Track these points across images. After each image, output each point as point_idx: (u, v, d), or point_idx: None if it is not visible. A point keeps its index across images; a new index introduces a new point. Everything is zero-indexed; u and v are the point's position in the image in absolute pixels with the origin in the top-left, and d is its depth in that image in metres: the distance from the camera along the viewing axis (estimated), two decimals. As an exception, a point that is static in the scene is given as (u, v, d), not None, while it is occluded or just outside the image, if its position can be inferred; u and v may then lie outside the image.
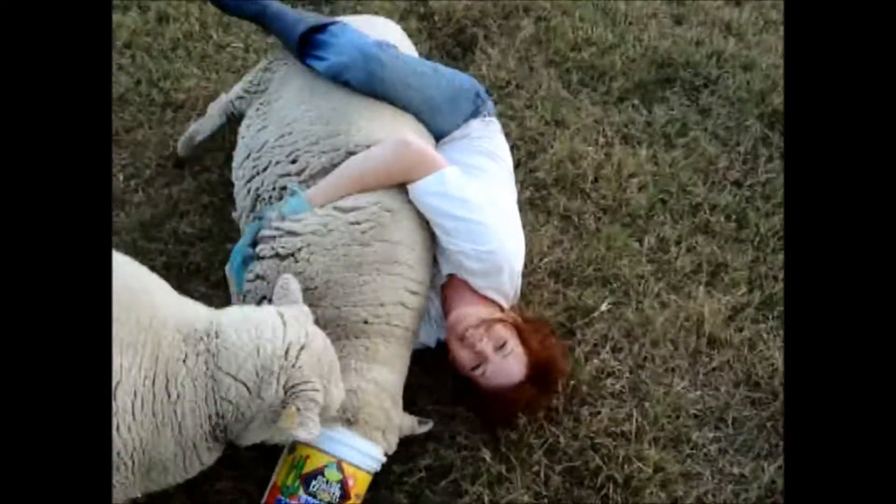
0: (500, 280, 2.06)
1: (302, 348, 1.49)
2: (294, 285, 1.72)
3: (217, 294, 2.34)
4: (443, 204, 1.99)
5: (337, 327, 1.90)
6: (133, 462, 1.45)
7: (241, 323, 1.52)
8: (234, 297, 2.09)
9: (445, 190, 1.99)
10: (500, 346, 1.99)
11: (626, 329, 2.34)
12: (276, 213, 2.00)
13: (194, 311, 1.61)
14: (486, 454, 2.01)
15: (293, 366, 1.47)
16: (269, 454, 1.93)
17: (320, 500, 1.77)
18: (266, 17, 2.47)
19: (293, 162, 2.11)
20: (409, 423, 1.97)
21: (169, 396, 1.46)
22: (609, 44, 3.27)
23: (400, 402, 1.96)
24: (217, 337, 1.51)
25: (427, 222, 2.06)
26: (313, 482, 1.76)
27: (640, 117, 3.03)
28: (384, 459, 1.89)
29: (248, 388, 1.48)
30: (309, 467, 1.77)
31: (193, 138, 2.68)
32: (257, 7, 2.48)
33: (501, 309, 2.12)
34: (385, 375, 1.93)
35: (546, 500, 1.96)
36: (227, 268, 2.08)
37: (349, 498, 1.81)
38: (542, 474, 2.00)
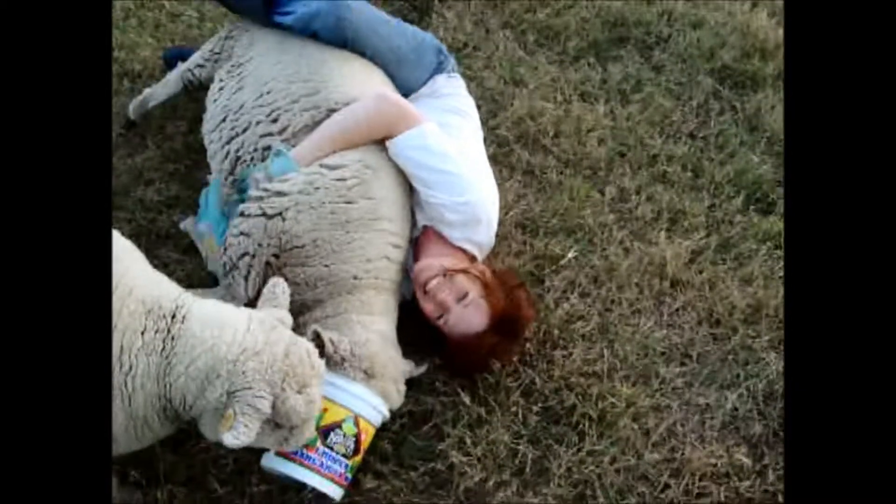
0: (478, 230, 2.12)
1: (255, 354, 1.44)
2: (281, 289, 1.66)
3: (188, 259, 2.35)
4: (423, 157, 2.03)
5: (328, 285, 1.95)
6: None
7: (208, 318, 1.49)
8: (209, 253, 2.10)
9: (425, 143, 2.02)
10: (462, 297, 2.04)
11: (592, 275, 2.42)
12: (262, 173, 2.02)
13: (163, 289, 1.60)
14: (466, 398, 2.07)
15: (240, 371, 1.42)
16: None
17: (336, 452, 1.80)
18: None
19: (274, 121, 2.12)
20: (409, 368, 2.03)
21: (121, 367, 1.45)
22: (563, 5, 3.34)
23: (399, 348, 2.02)
24: (182, 322, 1.50)
25: (405, 178, 2.10)
26: (331, 434, 1.80)
27: (596, 75, 3.10)
28: (388, 416, 1.94)
29: (195, 384, 1.44)
30: (327, 420, 1.80)
31: (147, 102, 2.67)
32: None
33: (473, 259, 2.17)
34: (385, 325, 1.99)
35: (525, 439, 2.04)
36: (202, 226, 2.08)
37: (359, 453, 1.86)
38: (520, 415, 2.07)
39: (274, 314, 1.58)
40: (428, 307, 2.07)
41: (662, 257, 2.45)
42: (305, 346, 1.58)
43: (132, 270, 1.57)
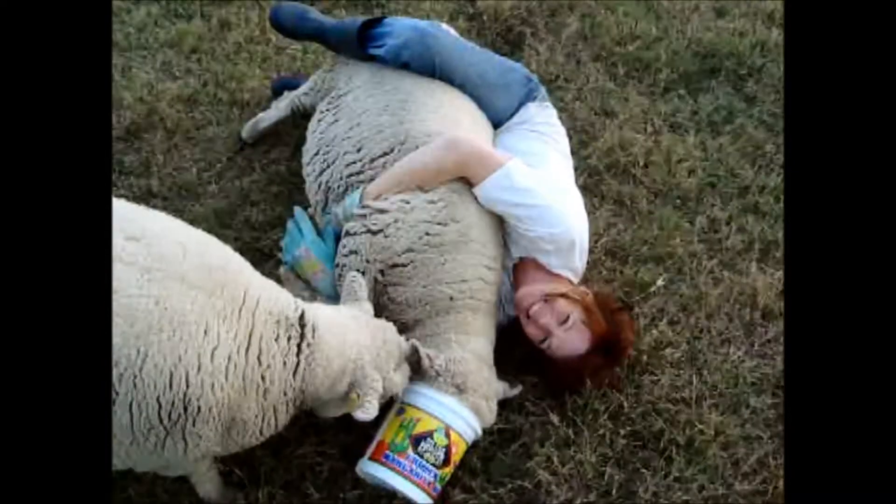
0: (572, 257, 2.17)
1: (366, 349, 1.74)
2: (359, 283, 1.91)
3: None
4: (513, 197, 2.10)
5: (427, 305, 2.04)
6: (219, 419, 1.59)
7: (330, 324, 1.75)
8: (310, 273, 2.21)
9: (512, 184, 2.09)
10: (564, 321, 2.09)
11: (681, 303, 2.43)
12: (340, 209, 2.16)
13: (282, 296, 1.76)
14: (554, 418, 2.11)
15: (361, 366, 1.71)
16: (346, 424, 2.06)
17: (426, 461, 1.87)
18: (324, 32, 2.65)
19: (358, 150, 2.25)
20: (502, 388, 2.09)
21: (260, 364, 1.61)
22: (653, 37, 3.37)
23: (494, 369, 2.08)
24: (314, 330, 1.69)
25: None
26: (423, 443, 1.88)
27: (687, 106, 3.12)
28: (481, 433, 2.01)
29: (329, 382, 1.70)
30: (419, 429, 1.89)
31: (258, 124, 2.86)
32: (314, 25, 2.67)
33: (571, 284, 2.22)
34: (481, 345, 2.06)
35: (612, 461, 2.06)
36: (296, 253, 2.18)
37: (449, 464, 1.92)
38: (607, 437, 2.10)
39: (360, 307, 1.85)
40: (531, 331, 2.14)
41: (753, 288, 2.44)
42: (390, 327, 1.87)
43: (255, 282, 1.72)
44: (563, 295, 2.12)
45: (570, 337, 2.10)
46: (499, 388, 2.06)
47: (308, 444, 2.10)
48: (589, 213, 2.53)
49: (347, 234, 2.09)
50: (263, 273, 2.33)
